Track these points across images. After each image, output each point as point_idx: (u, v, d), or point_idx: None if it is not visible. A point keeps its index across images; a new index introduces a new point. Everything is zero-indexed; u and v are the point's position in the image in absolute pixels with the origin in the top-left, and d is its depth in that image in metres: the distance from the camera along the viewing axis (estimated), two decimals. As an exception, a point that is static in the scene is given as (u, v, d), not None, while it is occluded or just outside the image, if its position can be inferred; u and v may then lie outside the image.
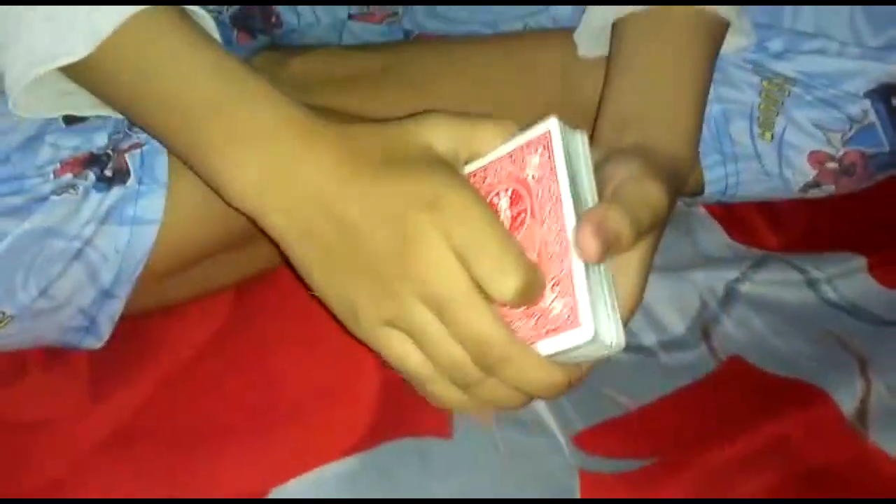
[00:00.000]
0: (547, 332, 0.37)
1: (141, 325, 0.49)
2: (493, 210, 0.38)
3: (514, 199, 0.39)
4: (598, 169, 0.41)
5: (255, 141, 0.38)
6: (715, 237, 0.61)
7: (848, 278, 0.58)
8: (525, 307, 0.37)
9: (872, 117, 0.55)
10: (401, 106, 0.59)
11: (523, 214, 0.39)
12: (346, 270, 0.38)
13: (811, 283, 0.58)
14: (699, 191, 0.60)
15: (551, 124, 0.39)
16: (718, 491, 0.45)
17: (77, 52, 0.39)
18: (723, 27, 0.51)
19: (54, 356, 0.49)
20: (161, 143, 0.42)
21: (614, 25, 0.52)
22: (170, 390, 0.48)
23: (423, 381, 0.40)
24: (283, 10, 0.65)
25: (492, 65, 0.60)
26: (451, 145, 0.40)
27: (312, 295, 0.41)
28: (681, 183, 0.45)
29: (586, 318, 0.36)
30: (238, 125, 0.38)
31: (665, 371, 0.51)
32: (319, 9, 0.66)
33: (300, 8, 0.65)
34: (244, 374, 0.49)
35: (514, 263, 0.36)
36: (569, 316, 0.36)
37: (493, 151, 0.41)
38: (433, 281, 0.36)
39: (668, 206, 0.40)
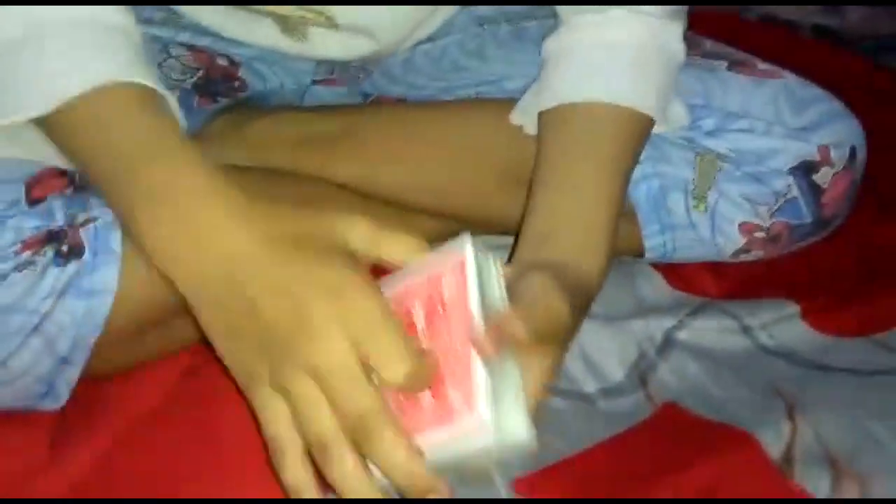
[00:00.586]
0: (439, 420, 0.38)
1: (99, 386, 0.51)
2: (395, 312, 0.40)
3: (429, 315, 0.40)
4: (513, 284, 0.43)
5: (173, 202, 0.41)
6: (655, 286, 0.64)
7: (782, 324, 0.61)
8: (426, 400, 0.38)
9: (795, 192, 0.60)
10: (358, 166, 0.63)
11: (437, 328, 0.40)
12: (247, 342, 0.40)
13: (746, 330, 0.61)
14: (639, 255, 0.63)
15: (466, 250, 0.41)
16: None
17: (34, 111, 0.43)
18: (648, 121, 0.54)
19: (14, 415, 0.50)
20: (106, 202, 0.45)
21: (540, 114, 0.55)
22: (123, 449, 0.49)
23: (281, 448, 0.39)
24: (248, 75, 0.68)
25: (446, 129, 0.63)
26: (363, 245, 0.41)
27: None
28: (587, 298, 0.48)
29: (481, 407, 0.37)
30: (159, 185, 0.41)
31: (602, 418, 0.54)
32: (284, 74, 0.69)
33: (265, 73, 0.68)
34: (194, 434, 0.51)
35: (406, 350, 0.38)
36: (463, 404, 0.37)
37: (410, 270, 0.42)
38: (322, 357, 0.38)
39: (568, 316, 0.42)
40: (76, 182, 0.49)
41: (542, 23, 0.65)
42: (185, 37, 0.65)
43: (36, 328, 0.46)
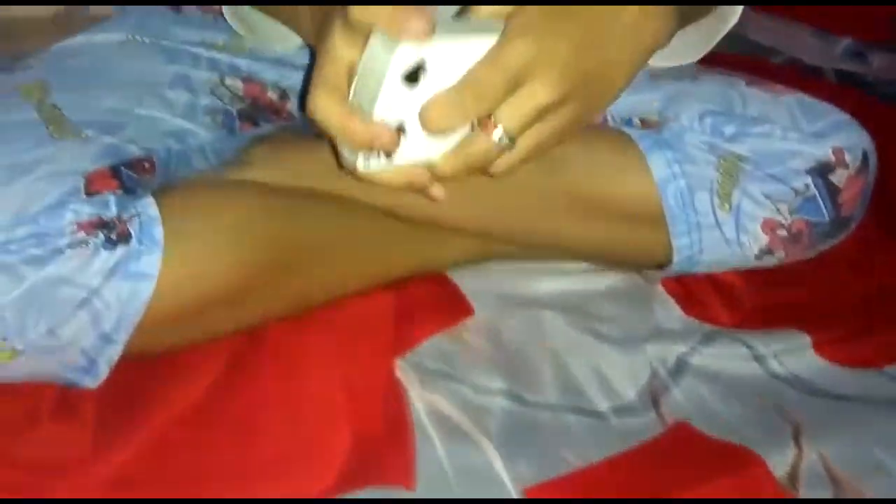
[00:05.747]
0: None
1: (141, 376, 0.55)
2: None
3: None
4: None
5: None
6: (670, 312, 0.66)
7: (794, 354, 0.63)
8: None
9: (814, 191, 0.63)
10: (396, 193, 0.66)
11: None
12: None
13: (758, 358, 0.63)
14: (667, 262, 0.66)
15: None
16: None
17: None
18: None
19: (63, 407, 0.54)
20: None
21: None
22: (163, 442, 0.53)
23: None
24: (296, 105, 0.72)
25: None
26: None
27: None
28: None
29: None
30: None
31: (614, 434, 0.56)
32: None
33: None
34: (230, 430, 0.54)
35: None
36: None
37: None
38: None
39: None
40: (125, 184, 0.55)
41: None
42: (243, 63, 0.70)
43: (84, 302, 0.51)
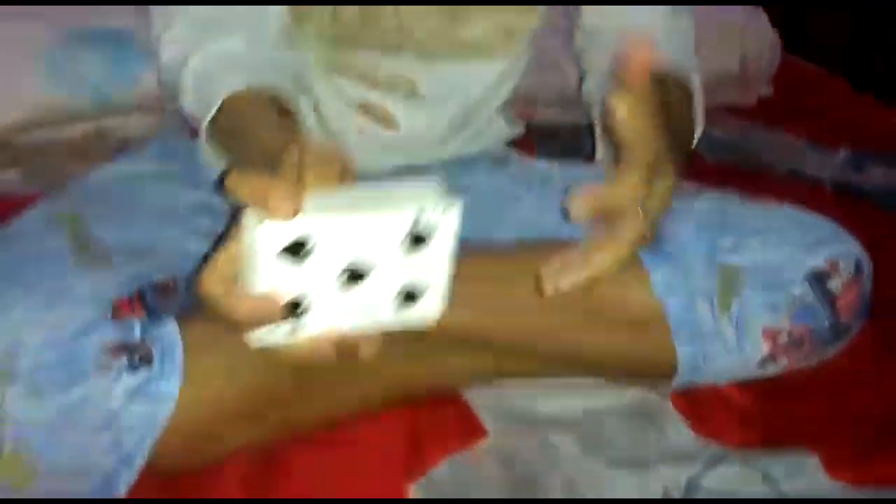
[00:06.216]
0: None
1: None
2: None
3: None
4: None
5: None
6: (680, 431, 0.67)
7: (803, 475, 0.63)
8: None
9: (811, 298, 0.65)
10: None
11: None
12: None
13: (768, 480, 0.63)
14: (671, 372, 0.67)
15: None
16: None
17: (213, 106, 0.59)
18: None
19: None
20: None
21: None
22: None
23: None
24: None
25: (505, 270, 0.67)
26: None
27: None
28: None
29: None
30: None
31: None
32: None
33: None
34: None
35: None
36: None
37: None
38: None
39: None
40: (149, 307, 0.58)
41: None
42: None
43: (106, 424, 0.53)
